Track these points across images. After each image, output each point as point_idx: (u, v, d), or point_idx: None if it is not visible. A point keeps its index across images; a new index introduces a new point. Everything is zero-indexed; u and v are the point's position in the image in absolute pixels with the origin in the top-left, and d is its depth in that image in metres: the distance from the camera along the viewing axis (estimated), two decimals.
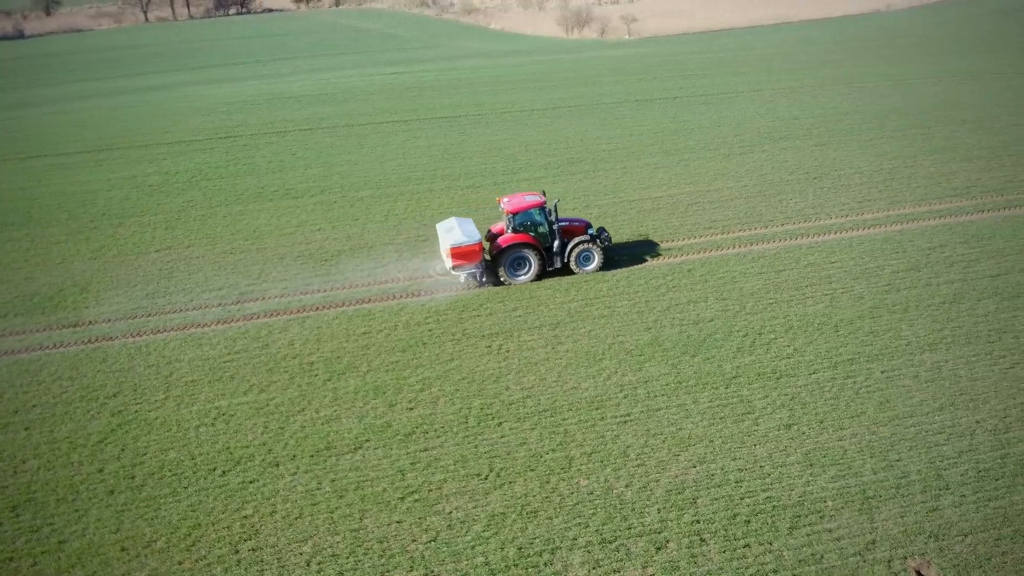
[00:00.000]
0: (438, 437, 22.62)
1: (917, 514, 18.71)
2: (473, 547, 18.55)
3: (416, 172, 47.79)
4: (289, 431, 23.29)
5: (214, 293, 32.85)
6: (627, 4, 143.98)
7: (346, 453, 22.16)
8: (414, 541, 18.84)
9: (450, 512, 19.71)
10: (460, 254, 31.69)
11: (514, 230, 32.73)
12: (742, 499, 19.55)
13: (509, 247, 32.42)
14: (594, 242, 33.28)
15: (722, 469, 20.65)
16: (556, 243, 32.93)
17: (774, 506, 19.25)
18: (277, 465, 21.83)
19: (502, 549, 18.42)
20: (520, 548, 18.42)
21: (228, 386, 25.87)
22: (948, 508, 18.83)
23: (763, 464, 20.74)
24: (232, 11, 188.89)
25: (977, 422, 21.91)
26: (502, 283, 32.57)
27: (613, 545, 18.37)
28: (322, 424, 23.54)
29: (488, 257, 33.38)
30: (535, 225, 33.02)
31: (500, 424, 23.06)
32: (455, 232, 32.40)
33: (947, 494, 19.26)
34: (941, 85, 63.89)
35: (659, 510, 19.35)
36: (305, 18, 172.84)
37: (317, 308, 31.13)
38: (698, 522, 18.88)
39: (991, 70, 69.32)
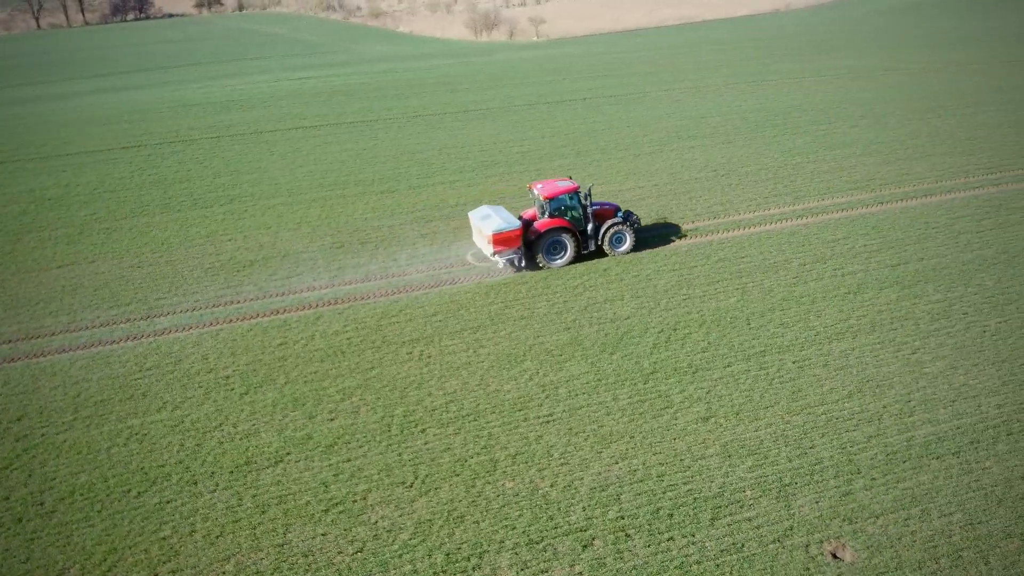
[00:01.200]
0: (360, 447, 22.37)
1: (831, 499, 19.37)
2: (400, 556, 18.41)
3: (328, 178, 47.18)
4: (206, 448, 22.70)
5: (122, 309, 31.77)
6: (535, 6, 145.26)
7: (267, 467, 21.73)
8: (340, 553, 18.59)
9: (376, 522, 19.52)
10: (501, 240, 32.52)
11: (551, 215, 33.46)
12: (664, 493, 19.92)
13: (547, 231, 33.22)
14: (626, 224, 34.36)
15: (644, 464, 20.99)
16: (590, 226, 33.94)
17: (695, 498, 19.66)
18: (195, 483, 21.25)
19: (430, 556, 18.34)
20: (448, 554, 18.37)
21: (140, 404, 25.06)
22: (860, 491, 19.56)
23: (683, 457, 21.17)
24: (130, 16, 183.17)
25: (884, 407, 22.81)
26: (539, 267, 33.37)
27: (540, 545, 18.49)
28: (240, 439, 23.02)
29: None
30: (569, 209, 33.72)
31: (424, 431, 22.95)
32: (493, 219, 33.10)
33: (858, 478, 20.00)
34: (838, 82, 66.27)
35: (584, 508, 19.56)
36: (208, 23, 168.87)
37: (231, 320, 30.43)
38: (623, 518, 19.16)
39: (884, 67, 72.29)
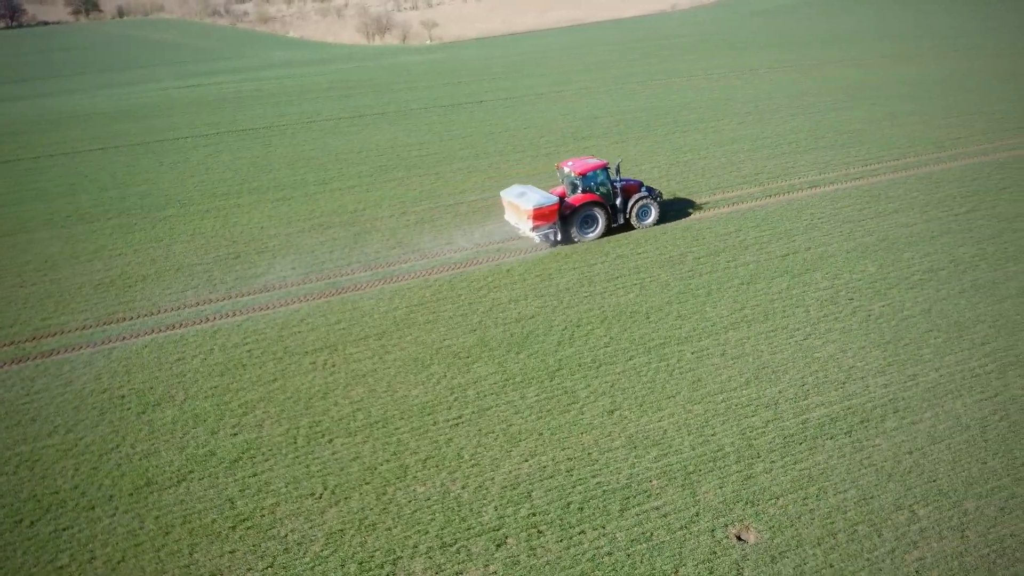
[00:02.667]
0: (266, 460, 21.92)
1: (734, 483, 20.03)
2: (312, 568, 18.14)
3: (222, 187, 46.03)
4: (103, 471, 21.85)
5: (5, 331, 30.24)
6: (427, 9, 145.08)
7: (168, 487, 21.06)
8: (250, 570, 18.19)
9: (285, 535, 19.18)
10: (541, 215, 34.26)
11: (583, 191, 35.20)
12: (574, 487, 20.21)
13: (581, 206, 35.11)
14: (650, 197, 36.48)
15: (553, 460, 21.25)
16: (618, 201, 36.06)
17: (604, 491, 20.02)
18: (93, 508, 20.43)
19: (343, 567, 18.13)
20: (361, 563, 18.20)
21: (29, 429, 23.92)
22: (760, 475, 20.28)
23: (591, 451, 21.52)
24: (1, 25, 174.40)
25: (779, 392, 23.71)
26: (574, 241, 35.26)
27: (454, 548, 18.50)
28: (139, 459, 22.24)
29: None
30: (599, 185, 35.60)
31: (331, 441, 22.65)
32: (531, 195, 34.72)
33: (758, 462, 20.74)
34: (725, 80, 68.46)
35: (496, 508, 19.67)
36: (87, 30, 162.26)
37: (124, 338, 29.35)
38: (534, 515, 19.35)
39: (766, 65, 75.03)
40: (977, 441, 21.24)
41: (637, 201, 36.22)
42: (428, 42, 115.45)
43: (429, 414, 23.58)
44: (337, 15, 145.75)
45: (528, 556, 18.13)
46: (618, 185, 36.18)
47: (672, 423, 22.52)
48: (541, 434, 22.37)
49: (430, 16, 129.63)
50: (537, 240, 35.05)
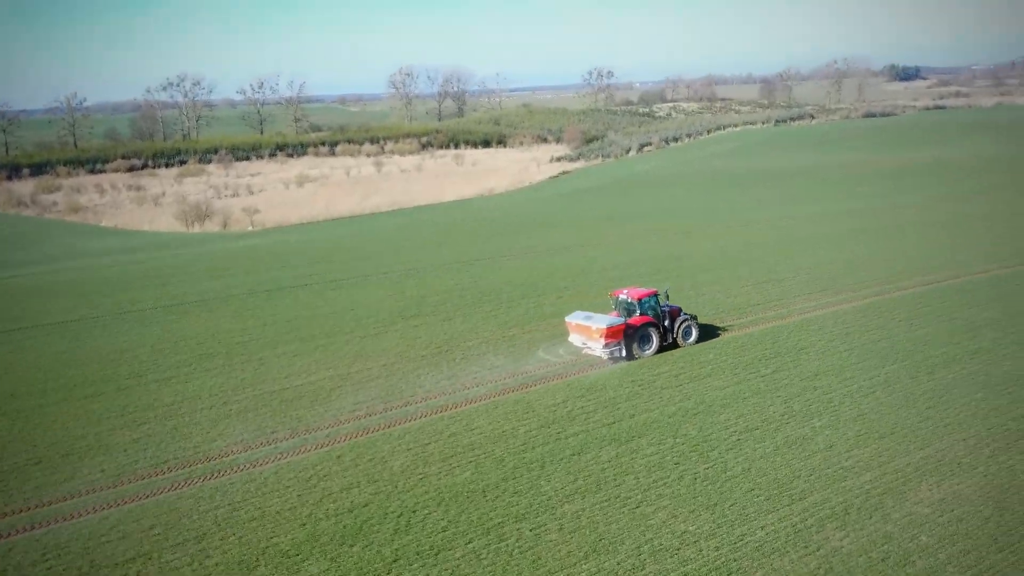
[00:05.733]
0: None
1: None
2: None
3: (21, 388, 42.63)
4: None
5: None
6: (248, 196, 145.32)
7: None
8: None
9: None
10: (612, 333, 40.73)
11: (641, 313, 42.04)
12: None
13: (641, 326, 41.78)
14: (692, 320, 43.64)
15: None
16: (667, 322, 42.88)
17: None
18: None
19: None
20: None
21: None
22: None
23: None
24: None
25: (618, 563, 23.71)
26: (634, 358, 41.26)
27: None
28: None
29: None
30: (652, 308, 42.64)
31: None
32: (597, 318, 41.86)
33: None
34: (541, 258, 71.86)
35: None
36: None
37: None
38: None
39: (579, 243, 79.59)
40: None
41: (683, 323, 43.20)
42: (250, 228, 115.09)
43: None
44: (154, 203, 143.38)
45: None
46: (665, 310, 42.98)
47: None
48: None
49: (251, 203, 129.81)
50: (605, 356, 41.07)
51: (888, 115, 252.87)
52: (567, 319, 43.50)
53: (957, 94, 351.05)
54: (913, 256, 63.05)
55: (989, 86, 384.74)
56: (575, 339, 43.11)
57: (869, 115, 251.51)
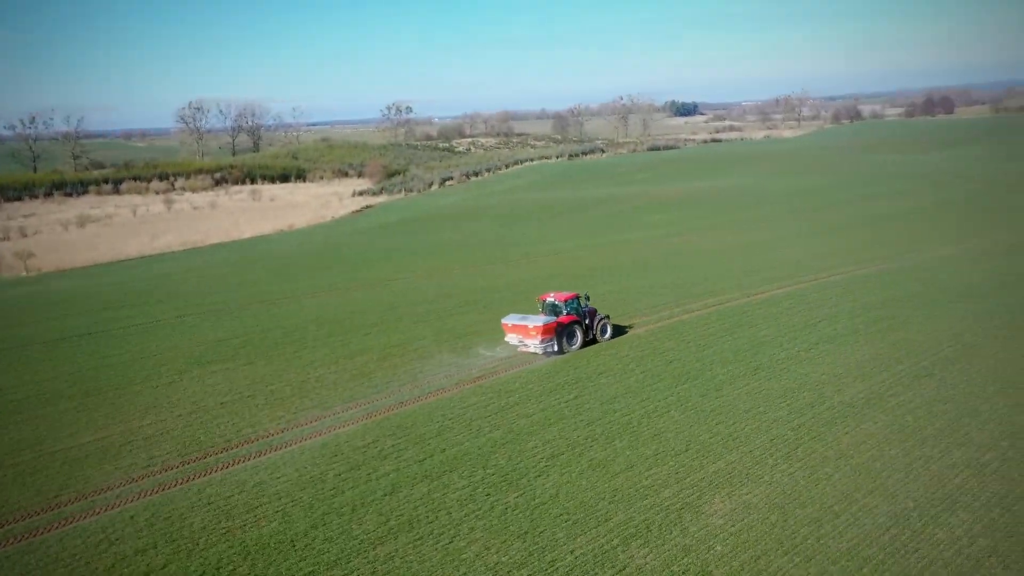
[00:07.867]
0: None
1: None
2: None
3: None
4: None
5: None
6: (20, 240, 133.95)
7: None
8: None
9: None
10: (547, 330, 46.22)
11: (567, 313, 47.91)
12: None
13: (569, 323, 47.56)
14: (607, 319, 49.80)
15: None
16: (587, 320, 48.78)
17: None
18: None
19: None
20: None
21: None
22: None
23: None
24: None
25: None
26: (564, 352, 46.88)
27: None
28: None
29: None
30: (574, 309, 48.44)
31: None
32: (532, 318, 47.34)
33: None
34: (349, 294, 70.86)
35: None
36: None
37: None
38: None
39: (387, 277, 79.18)
40: None
41: (600, 320, 49.08)
42: (24, 274, 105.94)
43: None
44: None
45: None
46: (585, 310, 48.88)
47: None
48: None
49: (25, 246, 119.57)
50: (540, 352, 46.36)
51: (671, 148, 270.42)
52: (503, 321, 48.40)
53: (731, 128, 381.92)
54: (705, 278, 67.38)
55: (757, 120, 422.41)
56: (511, 339, 47.90)
57: (654, 148, 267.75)
